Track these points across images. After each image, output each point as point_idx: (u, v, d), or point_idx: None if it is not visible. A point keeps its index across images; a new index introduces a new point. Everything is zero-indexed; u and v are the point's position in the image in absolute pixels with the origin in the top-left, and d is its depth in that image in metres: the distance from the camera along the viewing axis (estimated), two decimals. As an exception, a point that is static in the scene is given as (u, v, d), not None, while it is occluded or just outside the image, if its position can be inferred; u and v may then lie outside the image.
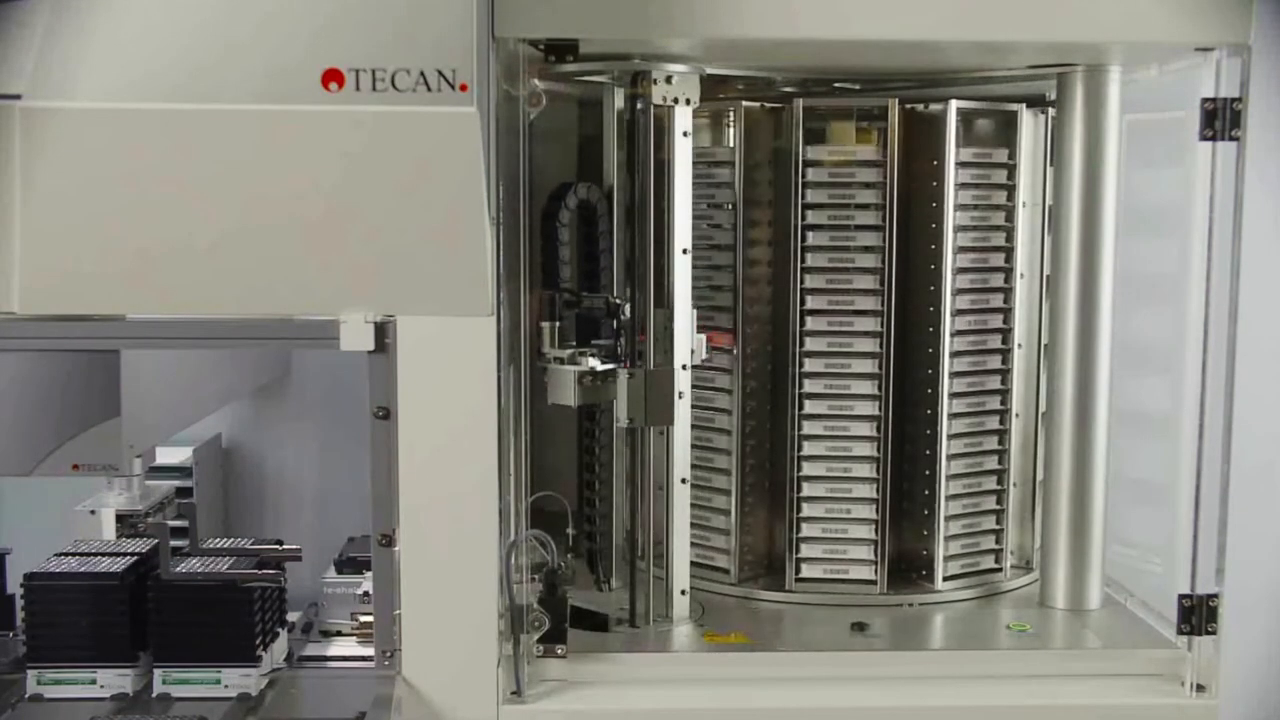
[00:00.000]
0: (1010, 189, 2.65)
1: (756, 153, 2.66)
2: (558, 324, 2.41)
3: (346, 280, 2.09)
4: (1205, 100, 2.27)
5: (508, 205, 2.23)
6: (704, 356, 2.52)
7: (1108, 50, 2.38)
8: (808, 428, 2.63)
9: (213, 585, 2.21)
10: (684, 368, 2.46)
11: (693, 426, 2.55)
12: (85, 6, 2.00)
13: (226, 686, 2.19)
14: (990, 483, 2.71)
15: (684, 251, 2.46)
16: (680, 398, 2.45)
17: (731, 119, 2.66)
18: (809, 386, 2.62)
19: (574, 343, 2.43)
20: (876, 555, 2.63)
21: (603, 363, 2.39)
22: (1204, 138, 2.28)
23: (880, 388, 2.61)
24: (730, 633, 2.45)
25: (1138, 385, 2.63)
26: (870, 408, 2.62)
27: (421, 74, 2.02)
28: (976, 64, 2.56)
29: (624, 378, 2.39)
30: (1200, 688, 2.32)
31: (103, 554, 2.30)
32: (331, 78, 2.02)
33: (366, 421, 2.16)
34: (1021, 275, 2.70)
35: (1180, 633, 2.35)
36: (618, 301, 2.42)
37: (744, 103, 2.63)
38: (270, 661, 2.27)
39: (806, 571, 2.64)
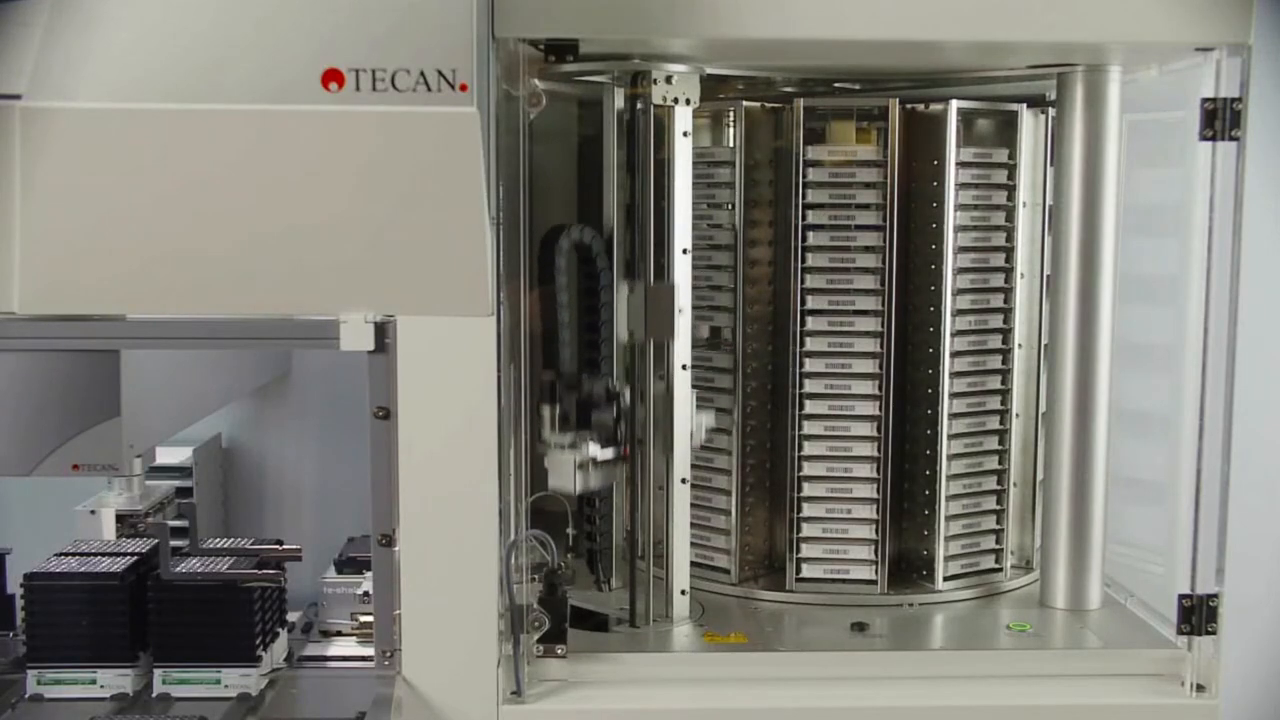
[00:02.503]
0: (1010, 189, 2.65)
1: (757, 153, 2.65)
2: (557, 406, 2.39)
3: (346, 280, 2.09)
4: (1205, 100, 2.27)
5: (508, 205, 2.23)
6: (703, 440, 2.52)
7: (1108, 50, 2.38)
8: (808, 428, 2.63)
9: (213, 585, 2.21)
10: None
11: (693, 427, 2.55)
12: (85, 6, 2.00)
13: (226, 686, 2.19)
14: (990, 483, 2.71)
15: (684, 251, 2.46)
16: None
17: (731, 119, 2.65)
18: (809, 386, 2.62)
19: (573, 427, 2.40)
20: (877, 555, 2.63)
21: (602, 447, 2.37)
22: (1204, 138, 2.28)
23: (880, 388, 2.61)
24: (730, 633, 2.45)
25: (1138, 385, 2.63)
26: (870, 408, 2.62)
27: (421, 74, 2.02)
28: (976, 64, 2.56)
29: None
30: (1200, 688, 2.31)
31: (103, 554, 2.30)
32: (331, 78, 2.01)
33: (366, 421, 2.16)
34: (1021, 275, 2.69)
35: (1180, 633, 2.35)
36: (616, 389, 2.41)
37: (744, 103, 2.63)
38: (270, 661, 2.27)
39: (807, 571, 2.64)
